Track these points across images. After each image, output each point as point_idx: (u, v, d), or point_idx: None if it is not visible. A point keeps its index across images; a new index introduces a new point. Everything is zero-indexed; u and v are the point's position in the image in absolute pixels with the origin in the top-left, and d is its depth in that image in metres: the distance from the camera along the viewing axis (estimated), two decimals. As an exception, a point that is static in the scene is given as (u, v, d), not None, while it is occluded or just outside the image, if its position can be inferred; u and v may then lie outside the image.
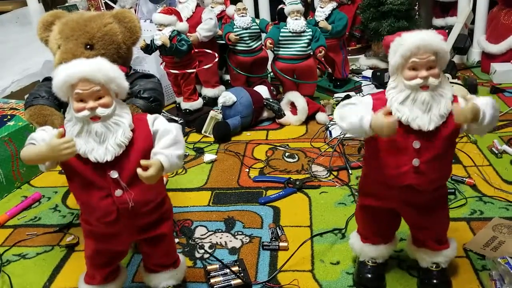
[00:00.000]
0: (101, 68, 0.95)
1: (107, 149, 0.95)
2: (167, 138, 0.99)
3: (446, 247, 1.16)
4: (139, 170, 0.93)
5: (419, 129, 0.99)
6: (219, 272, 1.25)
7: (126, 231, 1.05)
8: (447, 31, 2.59)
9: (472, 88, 2.28)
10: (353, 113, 1.01)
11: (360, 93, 2.41)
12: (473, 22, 2.72)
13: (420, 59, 0.97)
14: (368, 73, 2.63)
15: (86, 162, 0.96)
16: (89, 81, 0.93)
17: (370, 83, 2.53)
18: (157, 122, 1.02)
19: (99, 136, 0.95)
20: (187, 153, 1.95)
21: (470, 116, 0.97)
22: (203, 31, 2.28)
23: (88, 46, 1.25)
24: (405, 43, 0.98)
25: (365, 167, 1.16)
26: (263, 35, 2.32)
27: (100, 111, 0.95)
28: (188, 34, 2.15)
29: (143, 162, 0.94)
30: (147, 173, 0.94)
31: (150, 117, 1.02)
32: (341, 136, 1.91)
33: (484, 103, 1.00)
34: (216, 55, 2.27)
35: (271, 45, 2.16)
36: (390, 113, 0.96)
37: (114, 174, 0.97)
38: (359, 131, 1.01)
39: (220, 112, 2.13)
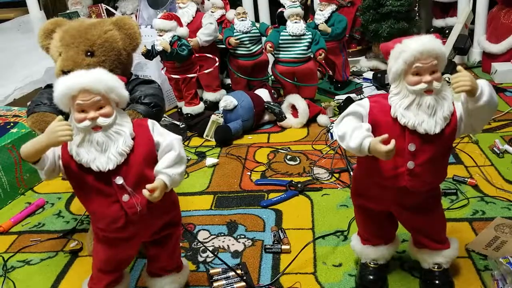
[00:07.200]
0: (101, 78, 0.97)
1: (109, 158, 0.97)
2: (170, 156, 1.01)
3: (447, 247, 1.16)
4: (145, 192, 0.97)
5: (425, 133, 0.99)
6: (221, 276, 1.26)
7: (138, 235, 1.07)
8: (447, 31, 2.60)
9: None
10: (351, 132, 1.00)
11: (361, 95, 2.41)
12: (473, 22, 2.72)
13: (424, 64, 0.97)
14: (369, 74, 2.64)
15: (90, 171, 0.97)
16: (89, 92, 0.95)
17: (371, 84, 2.54)
18: (158, 130, 1.03)
19: (100, 145, 0.96)
20: (189, 157, 1.96)
21: (468, 82, 0.94)
22: (203, 36, 2.30)
23: (88, 53, 1.27)
24: (407, 49, 0.97)
25: (358, 168, 1.16)
26: (263, 39, 2.33)
27: (101, 120, 0.96)
28: (188, 39, 2.16)
29: (148, 186, 0.97)
30: (153, 195, 0.97)
31: (150, 122, 1.04)
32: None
33: (482, 81, 0.98)
34: (217, 59, 2.28)
35: (271, 49, 2.17)
36: (387, 142, 0.96)
37: (119, 180, 0.98)
38: (359, 155, 1.02)
39: (221, 116, 2.14)
